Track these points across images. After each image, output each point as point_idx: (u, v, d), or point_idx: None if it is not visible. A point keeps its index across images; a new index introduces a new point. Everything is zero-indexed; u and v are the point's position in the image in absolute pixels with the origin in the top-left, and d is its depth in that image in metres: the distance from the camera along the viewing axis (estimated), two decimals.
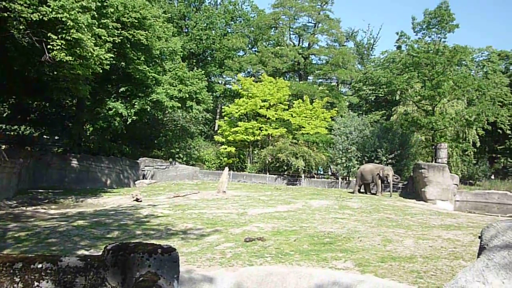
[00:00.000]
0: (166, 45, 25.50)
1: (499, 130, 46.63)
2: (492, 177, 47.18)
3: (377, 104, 47.87)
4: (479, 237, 3.03)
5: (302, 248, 8.42)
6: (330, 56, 43.71)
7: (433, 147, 29.40)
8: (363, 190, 23.68)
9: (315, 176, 31.36)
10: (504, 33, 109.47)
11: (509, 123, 46.81)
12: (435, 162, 25.91)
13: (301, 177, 28.98)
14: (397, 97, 36.98)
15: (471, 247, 8.62)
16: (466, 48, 30.43)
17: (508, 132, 47.29)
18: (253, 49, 48.28)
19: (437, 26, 29.11)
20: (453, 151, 34.54)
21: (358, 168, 25.18)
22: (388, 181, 21.94)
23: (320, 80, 48.23)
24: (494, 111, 30.10)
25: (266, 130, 32.67)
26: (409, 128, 30.36)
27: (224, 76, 46.68)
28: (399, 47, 33.15)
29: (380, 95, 45.41)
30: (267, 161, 30.21)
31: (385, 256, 7.81)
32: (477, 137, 39.29)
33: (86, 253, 7.64)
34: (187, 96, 27.14)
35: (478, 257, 2.73)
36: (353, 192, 23.15)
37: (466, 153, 40.75)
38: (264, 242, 8.90)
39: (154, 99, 24.45)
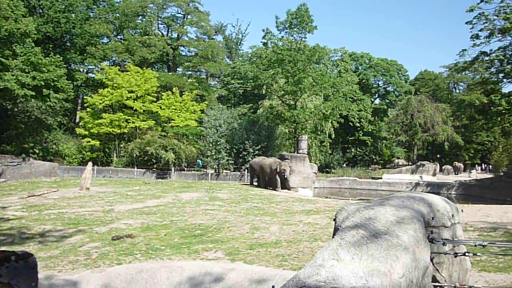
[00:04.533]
0: (15, 26, 22.64)
1: (350, 123, 52.69)
2: (345, 165, 53.05)
3: (245, 97, 49.68)
4: (334, 220, 3.38)
5: (173, 242, 8.38)
6: (199, 48, 43.86)
7: (295, 138, 31.76)
8: (256, 184, 23.80)
9: (185, 169, 31.36)
10: (355, 37, 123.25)
11: (358, 117, 53.22)
12: (297, 152, 28.03)
13: (171, 170, 28.65)
14: (263, 92, 38.93)
15: (328, 229, 9.59)
16: (324, 48, 33.44)
17: (357, 125, 53.76)
18: (119, 37, 45.79)
19: (298, 26, 31.30)
20: (313, 142, 37.77)
21: (251, 160, 24.75)
22: (285, 176, 21.09)
23: (189, 72, 48.12)
24: (346, 106, 33.68)
25: (133, 122, 31.50)
26: (274, 121, 32.26)
27: (86, 64, 43.33)
28: (265, 44, 34.73)
29: (247, 89, 47.21)
30: (134, 155, 29.19)
31: (253, 243, 8.23)
32: (332, 129, 43.63)
33: None
34: (43, 84, 24.58)
35: (333, 237, 3.03)
36: (251, 184, 23.37)
37: (323, 144, 45.01)
38: (133, 239, 8.62)
39: (1, 87, 21.58)
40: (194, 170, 31.33)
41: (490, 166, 51.57)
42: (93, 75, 41.50)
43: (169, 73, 42.83)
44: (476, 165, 57.87)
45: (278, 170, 21.03)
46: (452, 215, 3.60)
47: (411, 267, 2.54)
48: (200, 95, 40.92)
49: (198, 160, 31.10)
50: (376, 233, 2.72)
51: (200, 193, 17.24)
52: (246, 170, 29.43)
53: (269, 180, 21.95)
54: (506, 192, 24.12)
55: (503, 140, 48.75)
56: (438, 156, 61.93)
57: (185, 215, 11.66)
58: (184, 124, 32.89)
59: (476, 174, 45.90)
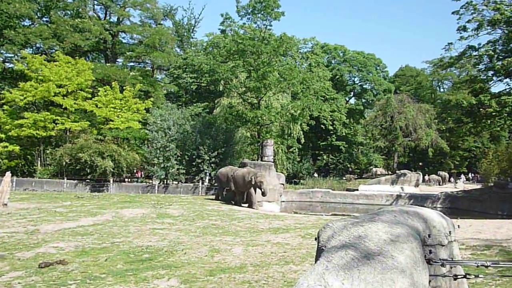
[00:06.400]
0: None
1: (322, 126, 53.70)
2: (316, 174, 53.95)
3: (199, 94, 49.56)
4: (316, 239, 3.42)
5: (115, 268, 8.20)
6: (144, 35, 43.34)
7: (259, 143, 31.94)
8: (221, 197, 23.62)
9: (127, 180, 30.81)
10: (327, 27, 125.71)
11: (330, 119, 54.25)
12: (261, 160, 28.25)
13: (109, 181, 28.12)
14: (221, 88, 38.98)
15: (300, 249, 9.69)
16: (292, 39, 33.91)
17: (330, 128, 54.79)
18: (45, 19, 44.45)
19: (262, 12, 31.57)
20: (279, 148, 38.15)
21: (218, 171, 24.57)
22: (262, 189, 20.49)
23: (132, 64, 47.45)
24: (318, 106, 34.27)
25: (63, 123, 30.73)
26: (234, 122, 32.32)
27: (2, 51, 41.72)
28: (223, 32, 34.96)
29: (202, 84, 47.12)
30: (64, 163, 28.48)
31: (213, 268, 8.18)
32: (301, 133, 44.24)
33: None
34: None
35: (317, 260, 3.06)
36: (218, 199, 23.20)
37: (291, 150, 45.55)
38: (66, 265, 8.37)
39: None
40: (137, 181, 30.83)
41: (478, 176, 53.96)
42: (11, 65, 40.03)
43: (107, 64, 42.00)
44: (462, 174, 60.28)
45: (253, 182, 20.62)
46: (449, 232, 3.73)
47: None
48: (145, 91, 40.34)
49: (206, 171, 29.82)
50: (368, 254, 2.77)
51: (145, 209, 16.99)
52: (200, 181, 29.32)
53: (242, 194, 21.91)
54: (497, 205, 25.30)
55: (492, 146, 51.16)
56: (420, 164, 64.17)
57: (129, 236, 11.46)
58: (125, 126, 32.33)
59: (463, 184, 47.88)
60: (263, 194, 20.74)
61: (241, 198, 21.93)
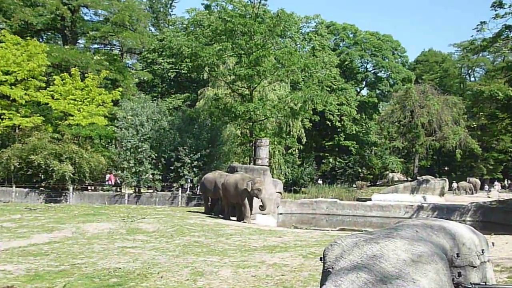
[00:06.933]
0: None
1: (327, 123, 53.73)
2: (320, 181, 54.08)
3: (178, 84, 49.53)
4: (321, 259, 3.45)
5: None
6: (111, 11, 43.22)
7: (252, 143, 31.95)
8: (213, 209, 23.35)
9: (90, 188, 30.70)
10: (334, 3, 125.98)
11: (338, 114, 54.25)
12: (254, 164, 28.23)
13: (68, 189, 28.03)
14: (205, 76, 38.94)
15: (302, 272, 9.70)
16: (292, 16, 33.97)
17: (338, 125, 54.82)
18: None
19: None
20: (276, 149, 38.17)
21: (204, 177, 24.00)
22: (261, 199, 20.04)
23: (96, 46, 47.34)
24: (323, 98, 34.33)
25: (10, 119, 30.59)
26: (221, 118, 32.32)
27: None
28: (208, 7, 34.83)
29: (182, 71, 47.05)
30: (13, 167, 28.32)
31: None
32: (303, 131, 44.36)
33: None
34: None
35: (322, 284, 3.08)
36: (205, 213, 22.94)
37: (290, 151, 45.62)
38: None
39: None
40: (103, 190, 30.74)
41: None
42: None
43: (66, 47, 41.82)
44: (497, 181, 60.44)
45: (250, 190, 19.98)
46: (482, 251, 3.77)
47: None
48: (112, 79, 40.25)
49: (187, 176, 29.62)
50: (384, 277, 2.80)
51: (113, 223, 16.95)
52: (179, 189, 29.27)
53: (239, 206, 21.12)
54: None
55: None
56: (446, 168, 64.56)
57: (94, 256, 11.43)
58: (88, 122, 32.22)
59: (498, 193, 48.06)
60: (262, 206, 20.23)
61: (229, 210, 21.52)
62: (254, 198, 20.30)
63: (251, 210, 20.60)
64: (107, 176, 33.37)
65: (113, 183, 33.82)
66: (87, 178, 29.98)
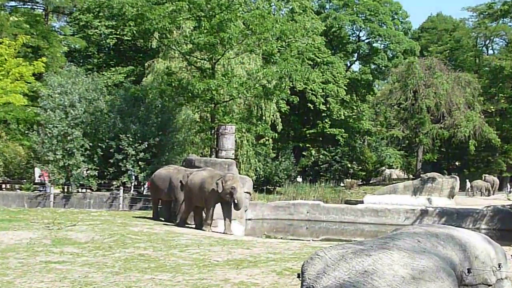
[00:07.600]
0: None
1: (309, 105, 53.70)
2: (299, 178, 54.23)
3: (120, 53, 49.12)
4: (299, 276, 3.46)
5: None
6: None
7: (213, 131, 31.87)
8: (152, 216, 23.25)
9: (5, 186, 30.43)
10: None
11: (322, 94, 54.24)
12: (216, 156, 28.20)
13: None
14: (155, 44, 38.62)
15: None
16: None
17: (322, 108, 54.78)
18: None
19: None
20: (244, 137, 38.16)
21: (155, 173, 23.81)
22: (235, 200, 19.69)
23: (13, 4, 46.63)
24: (304, 74, 34.31)
25: None
26: (175, 98, 32.14)
27: None
28: None
29: (125, 38, 46.65)
30: None
31: None
32: (278, 115, 44.34)
33: None
34: None
35: None
36: (153, 218, 22.80)
37: (263, 140, 45.64)
38: None
39: None
40: (22, 189, 30.41)
41: None
42: None
43: None
44: None
45: (221, 191, 19.59)
46: (499, 265, 3.82)
47: None
48: (34, 46, 39.73)
49: (131, 172, 29.33)
50: None
51: (35, 232, 16.81)
52: (121, 188, 29.06)
53: (199, 210, 21.01)
54: None
55: None
56: (457, 164, 65.35)
57: (9, 274, 11.31)
58: (2, 101, 31.82)
59: None
60: (236, 206, 19.98)
61: (187, 216, 21.29)
62: (224, 201, 19.89)
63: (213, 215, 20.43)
64: (37, 171, 32.49)
65: (46, 181, 33.09)
66: (0, 174, 29.64)
